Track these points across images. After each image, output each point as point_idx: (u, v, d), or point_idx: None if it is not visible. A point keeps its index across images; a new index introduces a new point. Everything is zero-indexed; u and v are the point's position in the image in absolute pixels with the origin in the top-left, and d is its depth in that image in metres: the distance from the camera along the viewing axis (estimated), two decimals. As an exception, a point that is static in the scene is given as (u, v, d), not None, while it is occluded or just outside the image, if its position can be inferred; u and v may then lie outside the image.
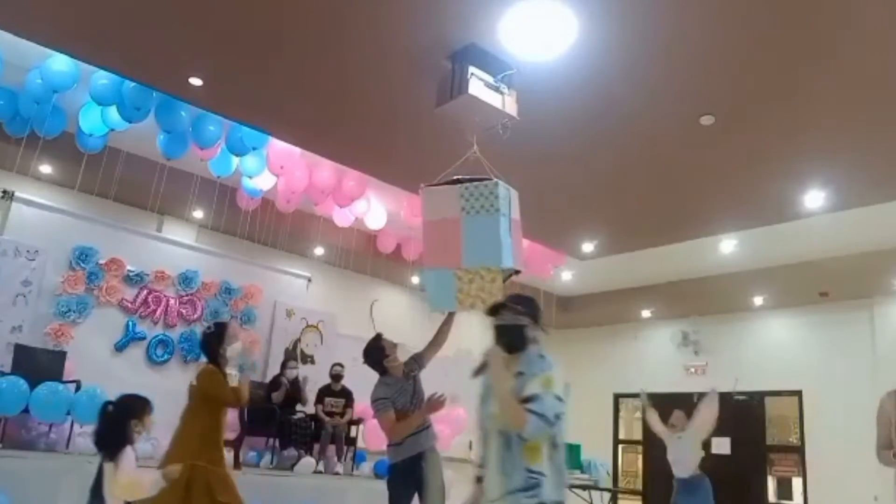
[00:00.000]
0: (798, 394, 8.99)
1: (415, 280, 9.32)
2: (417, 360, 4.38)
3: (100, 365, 6.60)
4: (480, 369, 2.78)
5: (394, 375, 4.26)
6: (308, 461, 6.65)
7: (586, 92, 4.50)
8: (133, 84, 5.18)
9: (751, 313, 9.53)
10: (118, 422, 3.18)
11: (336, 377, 7.38)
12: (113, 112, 5.52)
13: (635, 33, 3.88)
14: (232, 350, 3.98)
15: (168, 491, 3.45)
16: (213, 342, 4.01)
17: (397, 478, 4.37)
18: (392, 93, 4.75)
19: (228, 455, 6.39)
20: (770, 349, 9.34)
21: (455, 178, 4.01)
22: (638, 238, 7.29)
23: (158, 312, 7.31)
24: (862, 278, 8.08)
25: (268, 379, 7.71)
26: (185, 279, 7.54)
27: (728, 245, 7.75)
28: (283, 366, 7.34)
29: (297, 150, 6.22)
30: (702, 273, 8.97)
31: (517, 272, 4.00)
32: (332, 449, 7.00)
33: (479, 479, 2.71)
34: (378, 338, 4.33)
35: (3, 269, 6.23)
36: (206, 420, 3.80)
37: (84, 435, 5.87)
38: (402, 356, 4.32)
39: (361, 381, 7.74)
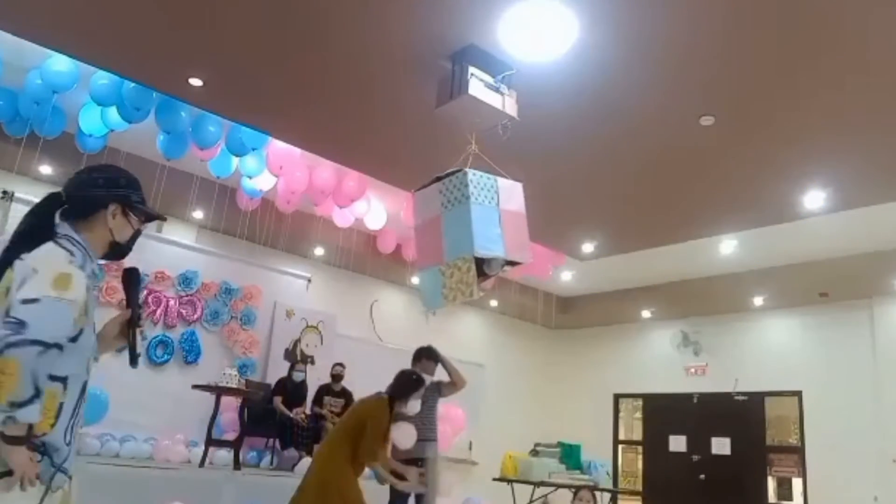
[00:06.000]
0: (798, 394, 8.99)
1: (414, 280, 9.32)
2: (437, 387, 5.13)
3: (100, 365, 6.53)
4: None
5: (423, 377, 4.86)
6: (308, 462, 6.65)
7: (586, 92, 4.50)
8: (133, 84, 5.18)
9: (751, 313, 9.53)
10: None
11: (336, 377, 7.39)
12: (113, 112, 5.51)
13: (635, 34, 3.88)
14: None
15: None
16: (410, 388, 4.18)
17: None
18: (392, 93, 4.75)
19: (228, 455, 6.43)
20: (770, 349, 9.34)
21: (435, 177, 4.05)
22: (638, 238, 7.29)
23: (158, 313, 7.31)
24: (862, 278, 8.08)
25: (268, 379, 7.72)
26: (185, 280, 7.54)
27: (728, 245, 7.75)
28: (292, 368, 7.35)
29: (297, 150, 6.22)
30: (702, 273, 8.97)
31: (514, 263, 3.99)
32: (331, 449, 7.00)
33: None
34: (431, 351, 5.21)
35: (3, 269, 6.22)
36: None
37: (84, 435, 5.88)
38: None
39: (361, 382, 7.75)
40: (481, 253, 3.75)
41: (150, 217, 2.08)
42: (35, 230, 1.86)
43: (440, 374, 5.34)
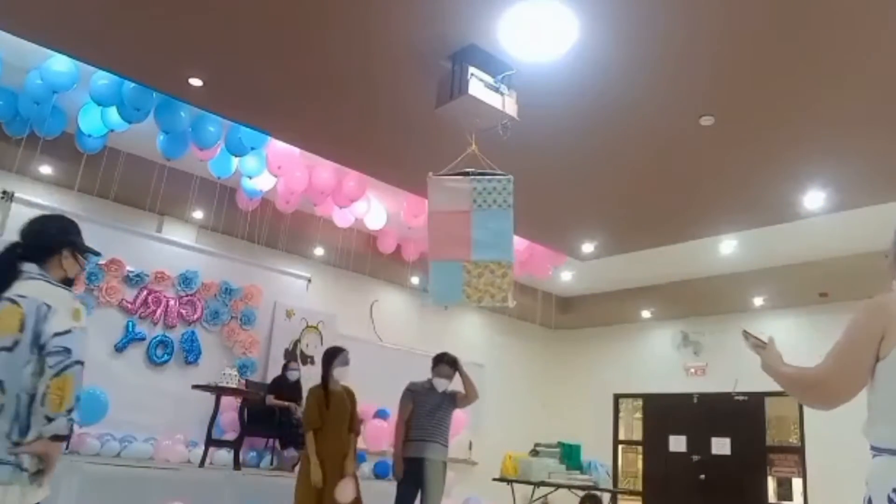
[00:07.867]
0: (798, 394, 8.98)
1: (414, 280, 9.32)
2: (452, 397, 5.31)
3: (100, 366, 6.59)
4: None
5: (436, 381, 5.23)
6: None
7: (586, 92, 4.50)
8: (133, 84, 5.18)
9: (751, 313, 9.52)
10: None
11: (335, 377, 7.36)
12: (113, 112, 5.51)
13: (636, 34, 3.89)
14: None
15: None
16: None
17: (406, 472, 5.07)
18: (392, 93, 4.75)
19: (228, 455, 6.42)
20: (770, 349, 9.33)
21: (466, 170, 4.05)
22: (638, 238, 7.29)
23: (158, 313, 7.30)
24: (862, 278, 8.04)
25: (267, 380, 7.71)
26: (185, 280, 7.53)
27: (728, 245, 7.75)
28: (285, 367, 7.33)
29: (297, 150, 6.22)
30: (702, 273, 8.97)
31: None
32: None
33: None
34: (449, 358, 5.35)
35: (3, 269, 6.21)
36: None
37: (84, 435, 5.88)
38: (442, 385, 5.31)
39: (361, 382, 7.73)
40: (511, 262, 3.91)
41: (91, 255, 2.60)
42: (2, 273, 2.28)
43: (457, 385, 5.38)
